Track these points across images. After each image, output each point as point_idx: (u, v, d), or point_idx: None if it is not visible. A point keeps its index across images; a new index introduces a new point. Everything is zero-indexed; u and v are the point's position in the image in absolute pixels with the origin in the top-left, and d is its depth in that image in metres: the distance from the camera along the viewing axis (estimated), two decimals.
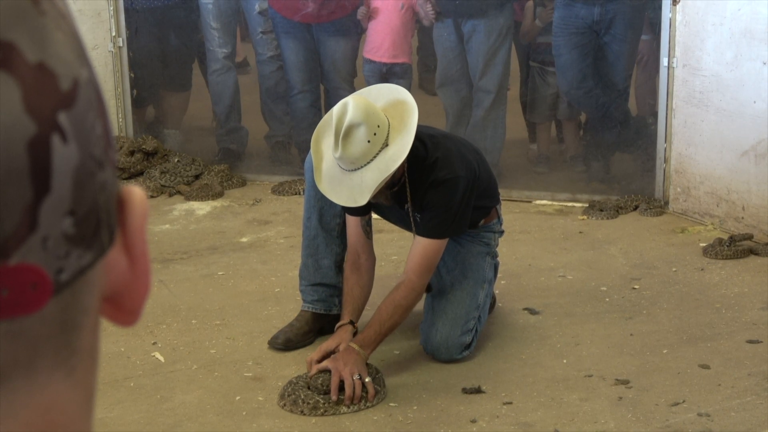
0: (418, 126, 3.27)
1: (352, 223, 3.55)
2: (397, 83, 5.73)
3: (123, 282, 0.55)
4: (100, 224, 0.52)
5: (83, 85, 0.51)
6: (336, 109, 3.23)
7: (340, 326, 3.46)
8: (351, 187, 3.21)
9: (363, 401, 3.25)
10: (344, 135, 3.16)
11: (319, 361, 3.34)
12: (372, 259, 3.58)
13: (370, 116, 3.19)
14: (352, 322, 3.45)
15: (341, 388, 3.24)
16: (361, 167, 3.19)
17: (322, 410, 3.21)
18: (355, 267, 3.52)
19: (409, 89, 5.81)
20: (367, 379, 3.26)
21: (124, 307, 0.56)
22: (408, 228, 3.59)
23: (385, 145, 3.21)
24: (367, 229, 3.57)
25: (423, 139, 3.38)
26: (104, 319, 0.56)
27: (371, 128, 3.18)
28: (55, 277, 0.49)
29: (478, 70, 5.58)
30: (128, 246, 0.55)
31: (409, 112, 3.28)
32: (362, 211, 3.52)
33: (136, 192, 0.55)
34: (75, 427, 0.55)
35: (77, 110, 0.50)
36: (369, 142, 3.17)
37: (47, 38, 0.50)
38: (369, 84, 5.71)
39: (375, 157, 3.19)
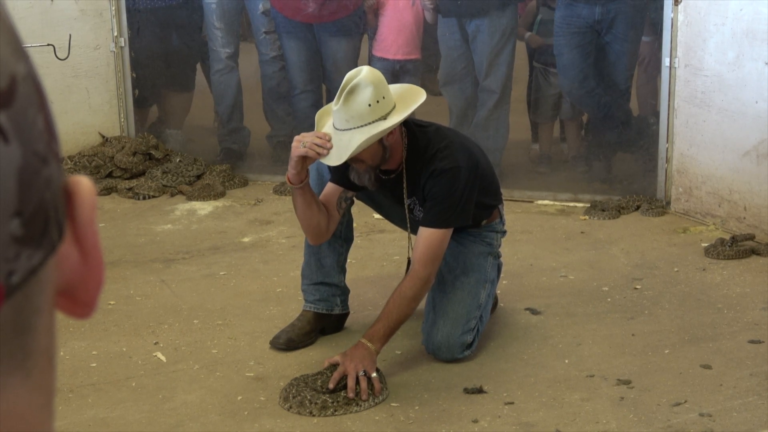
0: (420, 119, 3.30)
1: (330, 188, 3.50)
2: (408, 80, 5.76)
3: (76, 275, 0.54)
4: (48, 221, 0.50)
5: (21, 81, 0.49)
6: (351, 70, 3.28)
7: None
8: (338, 146, 3.22)
9: (371, 397, 3.24)
10: (350, 90, 3.19)
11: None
12: (333, 220, 3.49)
13: (379, 84, 3.23)
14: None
15: (345, 386, 3.24)
16: (353, 128, 3.20)
17: (332, 409, 3.20)
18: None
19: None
20: (373, 375, 3.26)
21: (79, 300, 0.55)
22: (406, 229, 3.59)
23: (383, 118, 3.23)
24: (342, 204, 3.54)
25: (426, 131, 3.40)
26: (60, 313, 0.55)
27: (377, 94, 3.20)
28: (5, 281, 0.48)
29: (482, 71, 5.59)
30: (79, 238, 0.54)
31: (416, 100, 3.31)
32: (346, 183, 3.46)
33: (83, 182, 0.54)
34: (35, 431, 0.53)
35: (16, 108, 0.49)
36: (370, 105, 3.20)
37: None
38: None
39: (370, 123, 3.20)
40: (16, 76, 0.49)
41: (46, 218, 0.50)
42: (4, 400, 0.50)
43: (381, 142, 3.27)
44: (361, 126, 3.20)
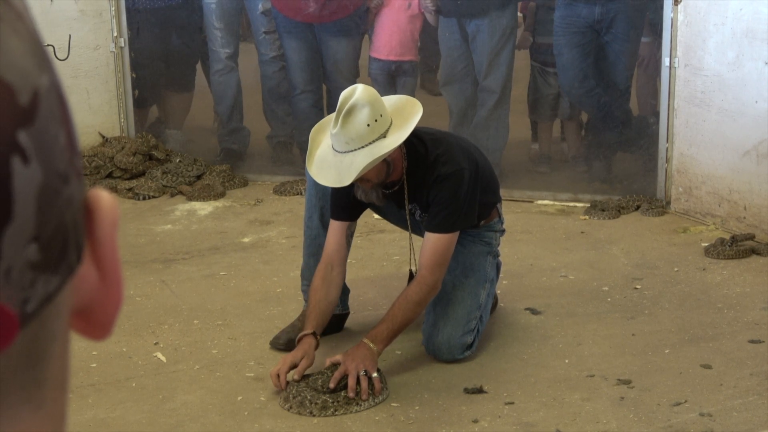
0: (418, 126, 3.28)
1: (336, 229, 3.49)
2: (405, 81, 5.77)
3: (93, 295, 0.51)
4: (67, 244, 0.48)
5: (44, 95, 0.47)
6: (345, 90, 3.27)
7: (303, 336, 3.36)
8: (340, 169, 3.20)
9: (371, 397, 3.24)
10: (347, 112, 3.18)
11: (289, 371, 3.26)
12: (343, 273, 3.52)
13: (375, 103, 3.21)
14: (314, 334, 3.36)
15: (345, 385, 3.24)
16: (354, 150, 3.19)
17: (332, 409, 3.20)
18: (326, 280, 3.45)
19: (414, 87, 5.86)
20: (374, 375, 3.26)
21: (96, 321, 0.53)
22: (407, 228, 3.59)
23: (383, 136, 3.22)
24: (349, 240, 3.55)
25: (423, 138, 3.39)
26: (75, 333, 0.53)
27: (374, 114, 3.19)
28: (20, 310, 0.46)
29: (482, 70, 5.59)
30: (98, 258, 0.51)
31: (414, 114, 3.29)
32: (349, 216, 3.50)
33: (104, 198, 0.51)
34: None
35: (38, 125, 0.46)
36: (368, 126, 3.18)
37: (1, 47, 0.45)
38: (377, 82, 5.74)
39: (370, 143, 3.19)
40: (40, 89, 0.47)
41: (65, 241, 0.48)
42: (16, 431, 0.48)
43: (384, 160, 3.27)
44: (362, 147, 3.18)
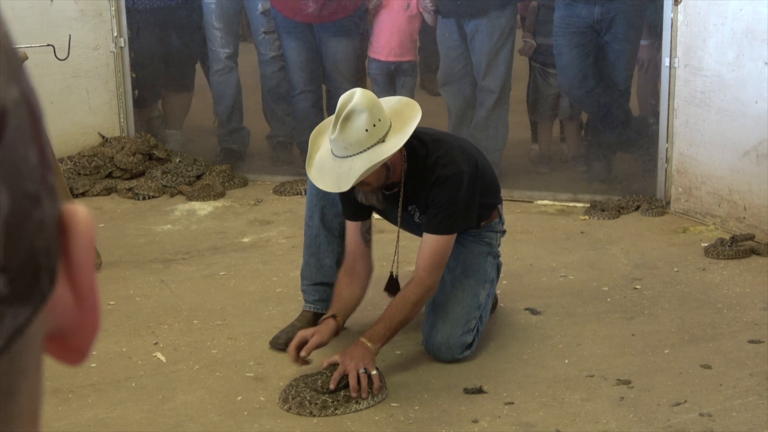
0: (418, 126, 3.28)
1: (351, 229, 3.54)
2: (405, 80, 5.78)
3: (68, 319, 0.48)
4: (38, 271, 0.44)
5: (12, 111, 0.43)
6: (343, 95, 3.27)
7: (324, 319, 3.46)
8: (338, 174, 3.21)
9: (370, 396, 3.24)
10: (345, 117, 3.18)
11: (298, 347, 3.34)
12: (369, 267, 3.56)
13: (374, 107, 3.21)
14: (334, 316, 3.43)
15: (347, 384, 3.24)
16: (353, 155, 3.19)
17: (332, 409, 3.20)
18: (351, 274, 3.52)
19: (413, 87, 5.86)
20: (373, 373, 3.26)
21: (71, 346, 0.49)
22: (405, 228, 3.59)
23: (382, 141, 3.22)
24: (367, 237, 3.56)
25: (423, 139, 3.39)
26: (49, 357, 0.50)
27: (372, 118, 3.19)
28: None
29: (481, 70, 5.59)
30: (73, 279, 0.47)
31: (413, 118, 3.29)
32: (361, 216, 3.53)
33: (79, 215, 0.47)
34: None
35: (5, 146, 0.42)
36: (367, 131, 3.18)
37: None
38: (376, 82, 5.74)
39: (369, 148, 3.19)
40: (6, 106, 0.43)
41: (36, 268, 0.44)
42: None
43: (384, 163, 3.27)
44: (361, 152, 3.18)
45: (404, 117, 3.31)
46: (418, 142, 3.36)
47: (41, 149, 0.45)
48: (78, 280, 0.48)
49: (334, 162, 3.22)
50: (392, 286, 3.62)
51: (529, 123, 5.99)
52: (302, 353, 3.34)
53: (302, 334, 3.38)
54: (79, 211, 0.48)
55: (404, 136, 3.23)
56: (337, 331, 3.42)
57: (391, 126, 3.25)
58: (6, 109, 0.43)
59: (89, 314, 0.49)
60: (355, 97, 3.21)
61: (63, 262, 0.47)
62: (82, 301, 0.48)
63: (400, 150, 3.31)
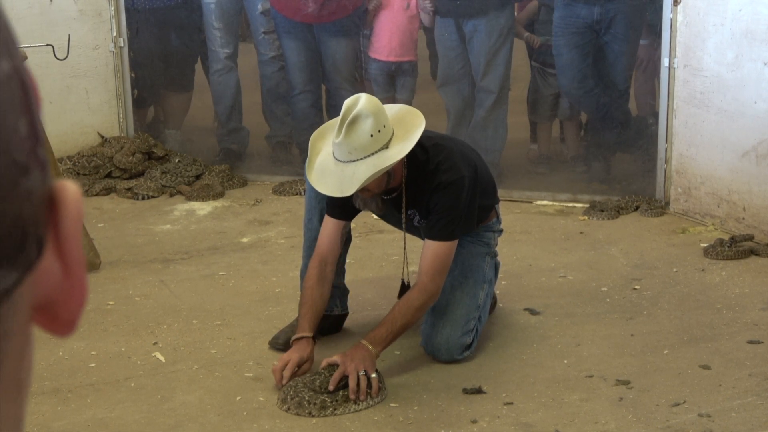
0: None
1: (331, 226, 3.50)
2: (405, 81, 5.78)
3: (56, 290, 0.49)
4: (26, 238, 0.45)
5: (3, 83, 0.45)
6: (348, 99, 3.26)
7: (301, 338, 3.39)
8: (341, 178, 3.19)
9: (369, 397, 3.24)
10: (350, 122, 3.17)
11: (282, 368, 3.30)
12: (335, 270, 3.54)
13: (379, 113, 3.20)
14: (313, 338, 3.40)
15: (345, 385, 3.24)
16: (356, 160, 3.18)
17: (330, 409, 3.20)
18: (321, 278, 3.47)
19: (413, 87, 5.86)
20: (372, 375, 3.26)
21: (59, 318, 0.50)
22: (406, 231, 3.59)
23: (386, 147, 3.21)
24: (344, 239, 3.56)
25: (423, 144, 3.37)
26: (38, 329, 0.51)
27: (378, 124, 3.18)
28: None
29: (479, 71, 5.59)
30: (61, 251, 0.49)
31: (417, 126, 3.29)
32: (347, 216, 3.51)
33: (69, 189, 0.49)
34: None
35: None
36: (372, 136, 3.17)
37: None
38: (376, 82, 5.74)
39: (373, 154, 3.18)
40: None
41: (23, 235, 0.45)
42: None
43: (386, 171, 3.26)
44: (365, 157, 3.17)
45: (407, 124, 3.30)
46: (418, 146, 3.34)
47: (31, 123, 0.47)
48: (66, 252, 0.49)
49: (336, 166, 3.22)
50: (405, 293, 3.61)
51: (529, 123, 5.99)
52: (285, 372, 3.30)
53: (286, 358, 3.34)
54: (68, 186, 0.49)
55: (409, 144, 3.22)
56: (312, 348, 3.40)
57: (393, 133, 3.25)
58: None
59: (77, 286, 0.50)
60: (361, 101, 3.20)
61: (51, 234, 0.48)
62: (70, 273, 0.49)
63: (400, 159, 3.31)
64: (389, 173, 3.30)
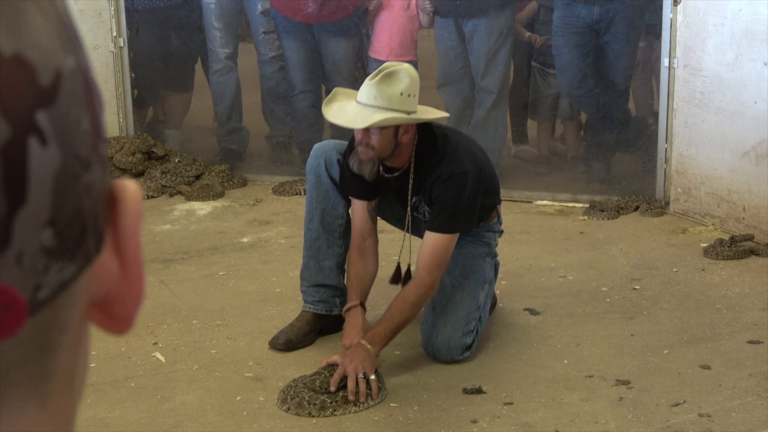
0: (430, 121, 3.38)
1: (359, 207, 3.59)
2: None
3: (114, 287, 0.50)
4: (85, 231, 0.46)
5: (67, 77, 0.46)
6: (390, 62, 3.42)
7: (350, 308, 3.51)
8: (356, 114, 3.27)
9: (368, 398, 3.24)
10: (389, 73, 3.28)
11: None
12: (376, 240, 3.63)
13: (415, 83, 3.31)
14: (362, 304, 3.52)
15: (345, 385, 3.24)
16: (378, 107, 3.26)
17: (330, 409, 3.20)
18: (361, 251, 3.58)
19: None
20: (372, 377, 3.26)
21: (116, 315, 0.51)
22: (403, 228, 3.60)
23: (407, 113, 3.29)
24: (373, 214, 3.62)
25: (435, 133, 3.45)
26: (94, 327, 0.51)
27: (410, 88, 3.28)
28: (31, 296, 0.44)
29: (479, 71, 5.59)
30: (120, 249, 0.49)
31: (438, 114, 3.43)
32: (370, 195, 3.56)
33: (129, 187, 0.50)
34: None
35: (59, 107, 0.45)
36: (401, 95, 3.27)
37: (25, 25, 0.44)
38: None
39: (395, 110, 3.26)
40: (62, 71, 0.45)
41: (83, 227, 0.46)
42: (18, 427, 0.45)
43: (395, 136, 3.32)
44: (386, 108, 3.26)
45: (430, 111, 3.43)
46: (430, 134, 3.40)
47: (94, 119, 0.48)
48: (125, 249, 0.50)
49: (357, 107, 3.29)
50: (404, 277, 3.64)
51: (510, 123, 5.93)
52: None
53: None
54: (129, 184, 0.50)
55: (428, 115, 3.36)
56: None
57: (417, 111, 3.34)
58: (61, 74, 0.45)
59: (134, 283, 0.50)
60: (404, 65, 3.36)
61: (111, 231, 0.49)
62: (127, 270, 0.50)
63: (412, 134, 3.37)
64: (398, 143, 3.34)
